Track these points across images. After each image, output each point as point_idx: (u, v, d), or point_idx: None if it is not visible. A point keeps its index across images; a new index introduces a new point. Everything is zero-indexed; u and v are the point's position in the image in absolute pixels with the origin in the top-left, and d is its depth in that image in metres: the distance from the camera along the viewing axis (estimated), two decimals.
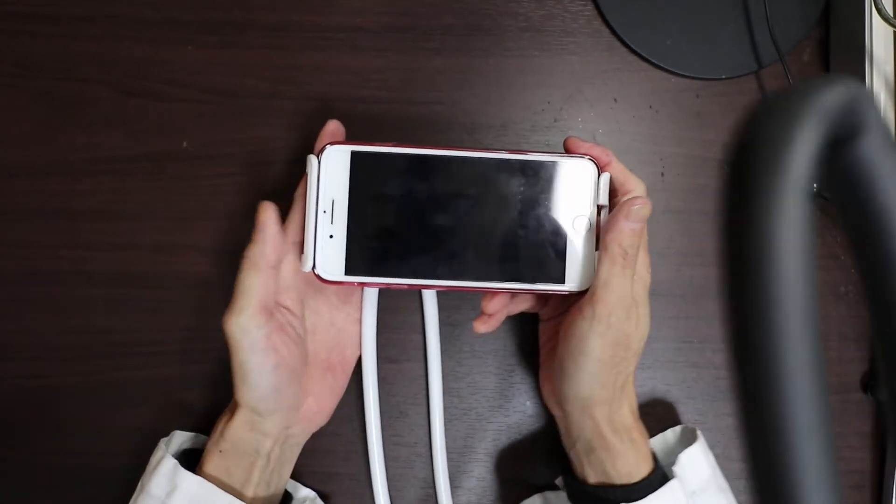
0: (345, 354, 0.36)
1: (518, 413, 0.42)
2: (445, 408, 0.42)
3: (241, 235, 0.42)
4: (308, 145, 0.42)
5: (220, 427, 0.33)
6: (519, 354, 0.42)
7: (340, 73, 0.43)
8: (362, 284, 0.32)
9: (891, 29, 0.39)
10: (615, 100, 0.44)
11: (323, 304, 0.37)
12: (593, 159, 0.34)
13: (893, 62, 0.40)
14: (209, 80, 0.43)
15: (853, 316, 0.43)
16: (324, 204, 0.32)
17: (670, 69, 0.43)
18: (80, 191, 0.42)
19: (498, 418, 0.42)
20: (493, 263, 0.33)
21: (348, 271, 0.32)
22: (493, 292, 0.34)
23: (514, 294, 0.35)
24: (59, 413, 0.41)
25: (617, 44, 0.44)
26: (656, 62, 0.43)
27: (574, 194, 0.34)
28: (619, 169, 0.34)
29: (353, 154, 0.32)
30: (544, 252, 0.34)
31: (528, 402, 0.42)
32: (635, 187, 0.34)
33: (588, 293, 0.32)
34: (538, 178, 0.34)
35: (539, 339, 0.39)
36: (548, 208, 0.34)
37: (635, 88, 0.44)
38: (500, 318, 0.35)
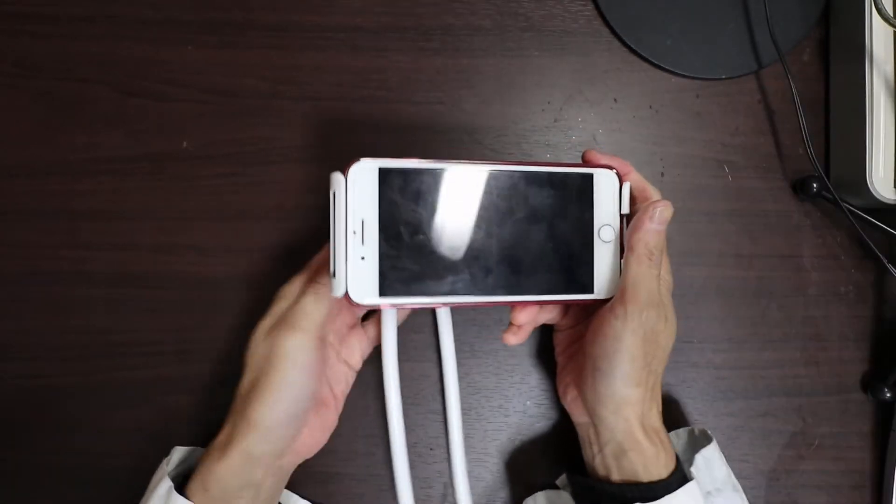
0: (335, 391, 0.36)
1: (518, 413, 0.42)
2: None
3: (241, 235, 0.42)
4: (308, 145, 0.43)
5: (208, 461, 0.32)
6: (519, 354, 0.42)
7: (340, 73, 0.43)
8: (396, 306, 0.31)
9: (891, 29, 0.39)
10: (615, 100, 0.44)
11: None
12: (615, 170, 0.34)
13: (893, 62, 0.40)
14: (209, 80, 0.43)
15: (853, 316, 0.43)
16: (353, 224, 0.30)
17: (670, 69, 0.43)
18: (80, 191, 0.42)
19: (498, 418, 0.42)
20: (525, 276, 0.33)
21: (383, 293, 0.30)
22: (524, 304, 0.34)
23: (542, 305, 0.35)
24: (59, 413, 0.41)
25: (617, 44, 0.44)
26: (656, 62, 0.43)
27: (598, 204, 0.34)
28: (637, 179, 0.35)
29: (381, 171, 0.31)
30: (573, 262, 0.34)
31: (528, 402, 0.42)
32: (654, 195, 0.35)
33: (618, 293, 0.32)
34: (564, 190, 0.34)
35: (556, 349, 0.39)
36: (575, 219, 0.34)
37: (635, 88, 0.44)
38: (529, 329, 0.36)
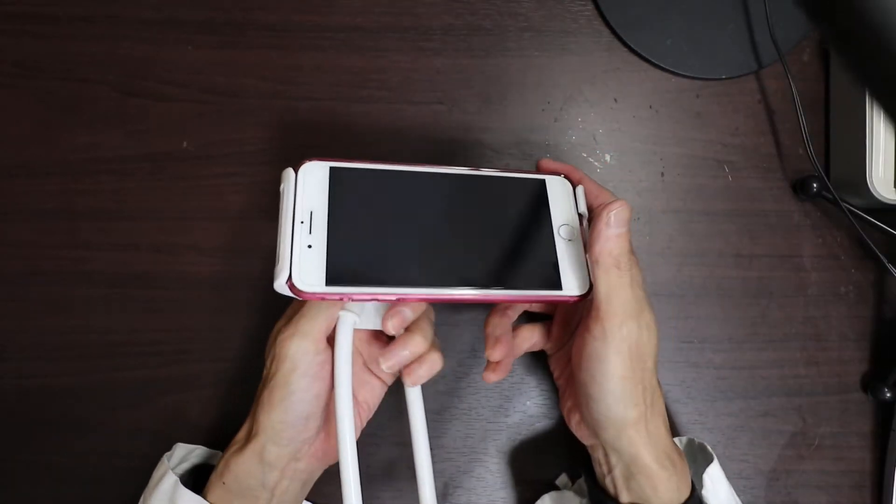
0: (357, 397, 0.35)
1: (518, 413, 0.42)
2: (445, 408, 0.42)
3: (241, 235, 0.42)
4: (308, 145, 0.43)
5: (227, 455, 0.32)
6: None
7: (340, 73, 0.43)
8: (344, 297, 0.30)
9: None
10: (615, 100, 0.44)
11: None
12: (566, 175, 0.35)
13: None
14: (209, 80, 0.43)
15: (853, 316, 0.43)
16: (301, 214, 0.30)
17: (670, 69, 0.43)
18: (80, 191, 0.42)
19: (498, 418, 0.42)
20: (480, 272, 0.32)
21: (329, 282, 0.29)
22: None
23: (501, 303, 0.34)
24: (59, 413, 0.41)
25: (617, 44, 0.44)
26: (656, 62, 0.43)
27: (555, 206, 0.35)
28: (590, 184, 0.35)
29: (333, 169, 0.31)
30: (537, 260, 0.34)
31: (528, 402, 0.42)
32: (608, 198, 0.34)
33: (592, 311, 0.31)
34: (516, 192, 0.35)
35: (553, 374, 0.38)
36: (530, 219, 0.34)
37: (635, 88, 0.44)
38: (508, 364, 0.35)
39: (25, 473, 0.41)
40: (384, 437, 0.41)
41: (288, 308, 0.33)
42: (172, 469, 0.34)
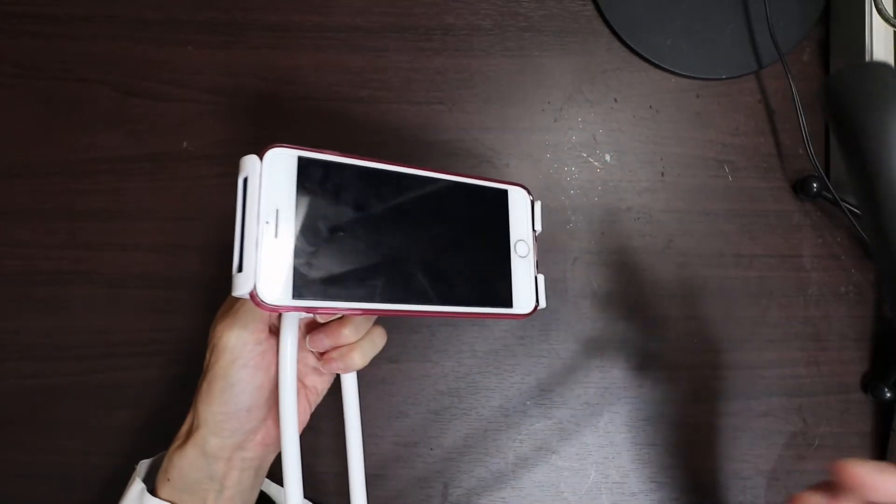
0: (305, 383, 0.34)
1: (518, 413, 0.42)
2: (446, 408, 0.42)
3: None
4: (308, 145, 0.42)
5: (171, 451, 0.32)
6: (519, 354, 0.42)
7: (340, 73, 0.43)
8: (310, 310, 0.27)
9: (891, 29, 0.39)
10: (615, 100, 0.44)
11: None
12: (526, 187, 0.35)
13: (893, 62, 0.40)
14: (209, 80, 0.43)
15: (853, 316, 0.43)
16: (266, 213, 0.26)
17: (670, 69, 0.43)
18: (80, 191, 0.42)
19: (498, 418, 0.42)
20: (445, 286, 0.31)
21: (296, 294, 0.26)
22: (444, 314, 0.32)
23: (461, 317, 0.33)
24: (59, 413, 0.41)
25: (617, 44, 0.44)
26: (656, 62, 0.43)
27: (514, 220, 0.35)
28: None
29: (301, 160, 0.28)
30: (493, 275, 0.33)
31: (528, 402, 0.42)
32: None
33: None
34: (482, 203, 0.34)
35: None
36: (493, 232, 0.34)
37: (635, 88, 0.44)
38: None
39: (25, 473, 0.41)
40: (384, 437, 0.41)
41: (228, 297, 0.32)
42: (143, 478, 0.33)
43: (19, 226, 0.42)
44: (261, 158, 0.27)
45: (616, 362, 0.42)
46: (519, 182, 0.35)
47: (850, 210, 0.40)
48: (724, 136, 0.44)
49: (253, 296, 0.25)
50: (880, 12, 0.37)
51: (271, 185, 0.27)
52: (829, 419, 0.43)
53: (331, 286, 0.27)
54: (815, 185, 0.42)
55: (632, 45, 0.43)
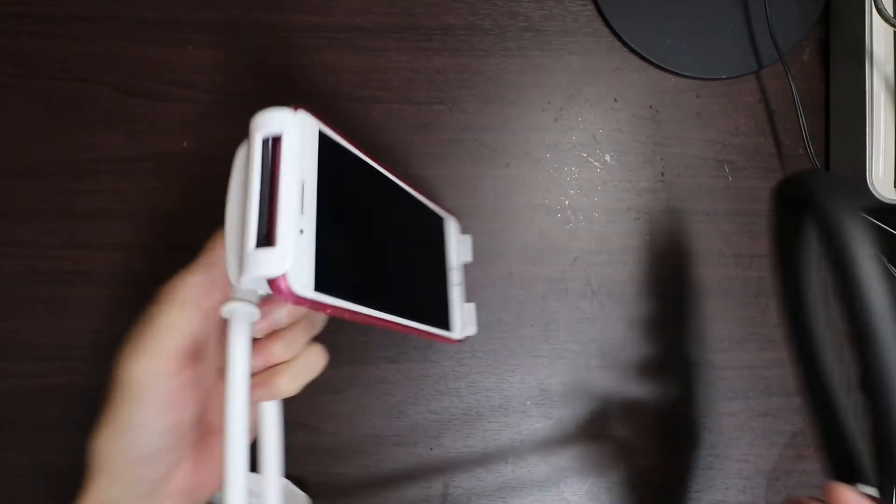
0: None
1: (518, 413, 0.42)
2: (445, 408, 0.42)
3: None
4: None
5: None
6: (519, 354, 0.42)
7: (340, 73, 0.43)
8: (331, 309, 0.23)
9: (891, 29, 0.39)
10: (615, 100, 0.44)
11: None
12: (456, 219, 0.36)
13: (893, 62, 0.40)
14: (209, 80, 0.43)
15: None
16: (296, 183, 0.22)
17: (670, 69, 0.43)
18: (80, 191, 0.42)
19: (498, 418, 0.42)
20: (408, 299, 0.29)
21: (319, 286, 0.22)
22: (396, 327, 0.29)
23: (410, 333, 0.30)
24: (59, 413, 0.41)
25: (617, 44, 0.44)
26: (656, 62, 0.43)
27: (449, 247, 0.36)
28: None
29: (322, 136, 0.24)
30: (439, 296, 0.34)
31: (528, 402, 0.42)
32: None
33: None
34: (434, 224, 0.35)
35: None
36: (439, 254, 0.35)
37: (635, 88, 0.44)
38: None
39: (25, 473, 0.41)
40: (384, 437, 0.41)
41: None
42: None
43: (19, 226, 0.42)
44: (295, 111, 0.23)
45: (616, 362, 0.42)
46: (452, 212, 0.36)
47: None
48: (724, 136, 0.44)
49: (278, 282, 0.20)
50: (880, 12, 0.37)
51: (302, 152, 0.23)
52: None
53: (341, 282, 0.23)
54: None
55: (632, 45, 0.43)
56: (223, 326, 0.25)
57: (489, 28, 0.44)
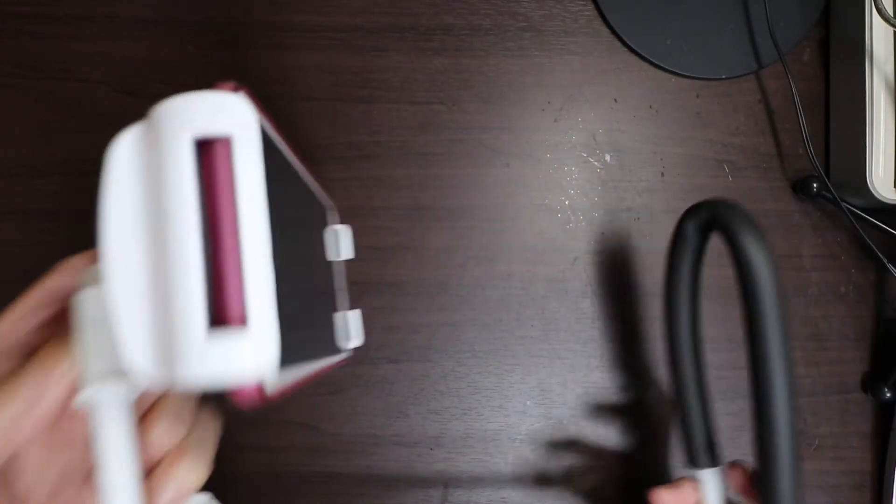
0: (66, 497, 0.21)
1: (518, 413, 0.42)
2: (445, 408, 0.42)
3: None
4: (308, 146, 0.43)
5: None
6: (519, 354, 0.42)
7: (340, 73, 0.43)
8: (286, 389, 0.17)
9: (891, 29, 0.39)
10: (615, 100, 0.44)
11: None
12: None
13: (893, 62, 0.40)
14: (209, 80, 0.43)
15: (853, 316, 0.43)
16: (263, 217, 0.15)
17: (670, 69, 0.43)
18: (80, 191, 0.42)
19: (498, 418, 0.42)
20: (318, 332, 0.27)
21: (283, 360, 0.15)
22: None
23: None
24: None
25: (617, 44, 0.44)
26: (656, 62, 0.43)
27: (334, 243, 0.36)
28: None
29: (263, 133, 0.17)
30: (331, 312, 0.34)
31: (528, 402, 0.42)
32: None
33: None
34: (323, 221, 0.34)
35: None
36: (327, 258, 0.35)
37: (635, 88, 0.44)
38: None
39: None
40: (384, 437, 0.41)
41: None
42: None
43: (19, 226, 0.42)
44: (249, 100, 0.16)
45: (616, 362, 0.42)
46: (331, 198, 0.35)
47: (850, 210, 0.40)
48: (724, 136, 0.44)
49: (252, 384, 0.14)
50: (880, 12, 0.37)
51: (255, 162, 0.16)
52: (829, 419, 0.43)
53: (300, 342, 0.17)
54: (815, 185, 0.42)
55: (632, 45, 0.43)
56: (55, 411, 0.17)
57: (489, 28, 0.44)
